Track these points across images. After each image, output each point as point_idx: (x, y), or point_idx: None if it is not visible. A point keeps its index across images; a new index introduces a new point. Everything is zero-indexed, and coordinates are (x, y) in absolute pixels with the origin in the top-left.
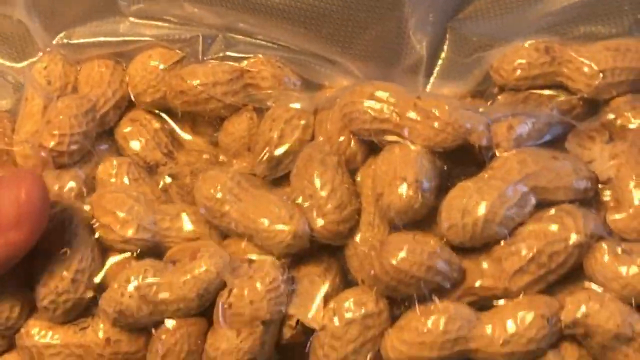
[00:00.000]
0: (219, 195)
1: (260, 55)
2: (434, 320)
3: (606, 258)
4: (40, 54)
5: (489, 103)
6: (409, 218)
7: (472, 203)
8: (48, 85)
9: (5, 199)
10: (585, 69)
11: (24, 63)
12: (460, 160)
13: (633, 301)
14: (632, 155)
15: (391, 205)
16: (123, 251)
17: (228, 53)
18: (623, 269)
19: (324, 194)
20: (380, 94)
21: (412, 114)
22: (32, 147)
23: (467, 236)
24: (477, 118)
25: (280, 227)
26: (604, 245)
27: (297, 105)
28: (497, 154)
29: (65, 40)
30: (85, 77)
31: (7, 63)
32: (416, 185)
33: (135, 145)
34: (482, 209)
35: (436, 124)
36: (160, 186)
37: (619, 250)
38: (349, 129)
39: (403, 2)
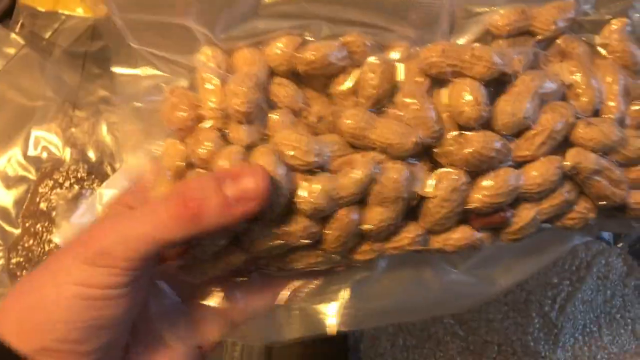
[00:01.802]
0: (361, 124)
1: (353, 32)
2: (501, 179)
3: (582, 128)
4: (205, 47)
5: (492, 45)
6: (479, 123)
7: (516, 108)
8: (218, 68)
9: (249, 182)
10: (545, 21)
11: (193, 55)
12: (497, 83)
13: (599, 151)
14: (580, 67)
15: (470, 117)
16: (305, 170)
17: (329, 33)
18: (592, 133)
19: (424, 114)
20: (447, 48)
21: (471, 59)
22: (221, 111)
23: (514, 129)
24: (506, 58)
25: (407, 140)
26: (580, 122)
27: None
28: (518, 76)
29: (222, 36)
30: (241, 60)
31: (179, 56)
32: (482, 103)
33: (284, 99)
34: (521, 111)
35: (487, 64)
36: (311, 125)
37: (587, 123)
38: (427, 73)
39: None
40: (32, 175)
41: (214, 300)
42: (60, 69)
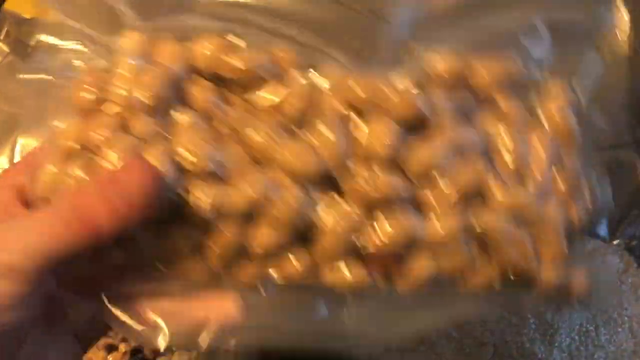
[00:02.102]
0: (261, 139)
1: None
2: (398, 222)
3: (497, 190)
4: (131, 31)
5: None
6: (387, 163)
7: (423, 154)
8: (137, 54)
9: (131, 185)
10: (484, 74)
11: (116, 37)
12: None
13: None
14: (509, 126)
15: (376, 154)
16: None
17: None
18: (506, 195)
19: (331, 140)
20: (368, 82)
21: (390, 95)
22: (126, 98)
23: (421, 176)
24: (426, 99)
25: (304, 161)
26: (495, 181)
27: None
28: (439, 124)
29: (148, 23)
30: (163, 51)
31: (102, 35)
32: (393, 144)
33: (198, 101)
34: (429, 158)
35: (404, 103)
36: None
37: (503, 185)
38: (343, 102)
39: (382, 26)
40: None
41: None
42: None
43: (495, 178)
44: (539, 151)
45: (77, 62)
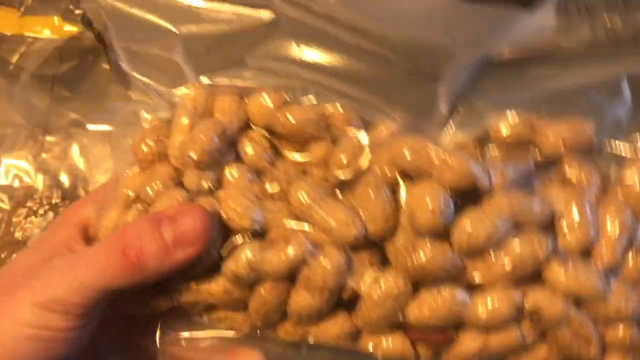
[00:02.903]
0: (306, 201)
1: (338, 104)
2: (443, 299)
3: (557, 269)
4: (189, 85)
5: (485, 151)
6: (432, 233)
7: (476, 229)
8: (194, 109)
9: (187, 224)
10: (553, 138)
11: (178, 90)
12: (468, 195)
13: (571, 299)
14: (579, 200)
15: (422, 225)
16: (240, 232)
17: (315, 99)
18: (567, 278)
19: (377, 210)
20: (418, 146)
21: (440, 161)
22: (181, 151)
23: (470, 250)
24: (482, 169)
25: (347, 229)
26: (556, 261)
27: (360, 141)
28: (494, 194)
29: (207, 80)
30: (219, 106)
31: (166, 88)
32: (439, 213)
33: (250, 155)
34: (482, 235)
35: (456, 173)
36: (266, 188)
37: (565, 265)
38: (394, 165)
39: (437, 79)
40: (6, 205)
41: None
42: (28, 93)
43: (555, 254)
44: (611, 227)
45: (142, 113)
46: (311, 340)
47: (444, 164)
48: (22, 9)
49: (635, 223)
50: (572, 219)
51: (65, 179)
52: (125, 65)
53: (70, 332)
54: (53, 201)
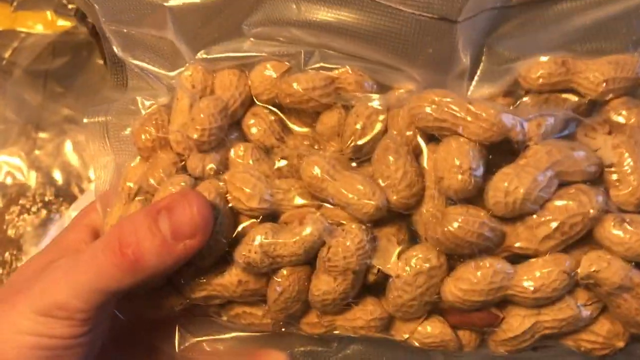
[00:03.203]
0: (320, 175)
1: (347, 67)
2: (482, 273)
3: (612, 227)
4: (186, 65)
5: (517, 102)
6: (463, 196)
7: (513, 186)
8: (192, 88)
9: (184, 214)
10: (592, 78)
11: (175, 72)
12: (501, 150)
13: (632, 261)
14: (629, 145)
15: (450, 187)
16: (249, 217)
17: (322, 64)
18: (625, 236)
19: (398, 175)
20: (439, 99)
21: (466, 115)
22: (182, 134)
23: (508, 210)
24: (514, 119)
25: (366, 201)
26: (610, 217)
27: (374, 104)
28: (530, 145)
29: (204, 56)
30: (219, 82)
31: (163, 71)
32: (469, 172)
33: (256, 132)
34: (520, 191)
35: (484, 124)
36: (275, 166)
37: (622, 221)
38: (415, 125)
39: (454, 27)
40: None
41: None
42: (21, 89)
43: (608, 209)
44: None
45: (141, 101)
46: (338, 332)
47: (471, 116)
48: (15, 3)
49: None
50: (623, 167)
51: (58, 176)
52: (118, 51)
53: (74, 339)
54: (46, 198)
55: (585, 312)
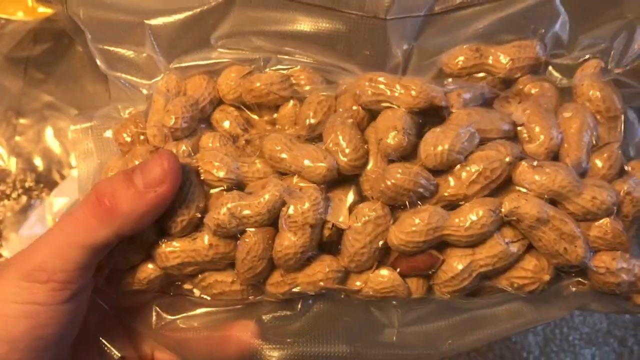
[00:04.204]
0: (278, 147)
1: (299, 66)
2: (420, 217)
3: (526, 170)
4: (162, 74)
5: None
6: (400, 153)
7: (440, 140)
8: (167, 92)
9: (155, 167)
10: (501, 59)
11: (152, 81)
12: (429, 115)
13: (546, 196)
14: (535, 107)
15: (389, 145)
16: (218, 186)
17: (279, 67)
18: (537, 177)
19: (344, 142)
20: (375, 77)
21: (397, 88)
22: (158, 128)
23: (437, 162)
24: (438, 89)
25: (318, 164)
26: (524, 163)
27: (324, 94)
28: (452, 110)
29: (177, 65)
30: (191, 86)
31: (141, 81)
32: (403, 132)
33: (224, 124)
34: (446, 144)
35: (413, 93)
36: (241, 148)
37: (533, 165)
38: (357, 102)
39: (387, 28)
40: None
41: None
42: (1, 75)
43: (516, 157)
44: (574, 129)
45: (120, 107)
46: (300, 289)
47: (404, 89)
48: None
49: (594, 122)
50: (532, 126)
51: (39, 162)
52: (103, 66)
53: (57, 305)
54: (27, 185)
55: (513, 248)
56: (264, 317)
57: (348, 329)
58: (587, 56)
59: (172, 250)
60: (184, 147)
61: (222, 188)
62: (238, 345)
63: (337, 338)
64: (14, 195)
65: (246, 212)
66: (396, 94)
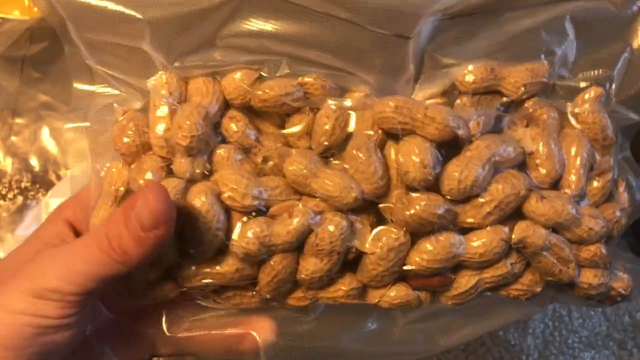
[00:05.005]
0: (303, 171)
1: (313, 73)
2: (441, 245)
3: (535, 202)
4: (159, 72)
5: (455, 102)
6: (425, 186)
7: (464, 176)
8: (169, 95)
9: (142, 209)
10: (514, 82)
11: (148, 79)
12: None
13: (550, 227)
14: (544, 136)
15: (415, 179)
16: (242, 212)
17: (288, 71)
18: (545, 208)
19: (370, 170)
20: (401, 105)
21: (424, 119)
22: (166, 140)
23: (459, 195)
24: (461, 120)
25: (347, 194)
26: (533, 196)
27: (340, 106)
28: (473, 141)
29: (178, 64)
30: (194, 89)
31: (136, 79)
32: (430, 166)
33: (234, 134)
34: (469, 179)
35: (439, 126)
36: (259, 166)
37: (541, 197)
38: (379, 126)
39: (407, 43)
40: None
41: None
42: None
43: (528, 189)
44: (574, 157)
45: (114, 106)
46: (320, 302)
47: (427, 119)
48: None
49: (592, 149)
50: (540, 154)
51: (35, 163)
52: (89, 60)
53: (65, 319)
54: (23, 185)
55: (515, 268)
56: (278, 317)
57: (357, 330)
58: (589, 82)
59: (196, 273)
60: (199, 167)
61: (247, 215)
62: (255, 341)
63: (347, 338)
64: (10, 195)
65: (275, 240)
66: (422, 125)
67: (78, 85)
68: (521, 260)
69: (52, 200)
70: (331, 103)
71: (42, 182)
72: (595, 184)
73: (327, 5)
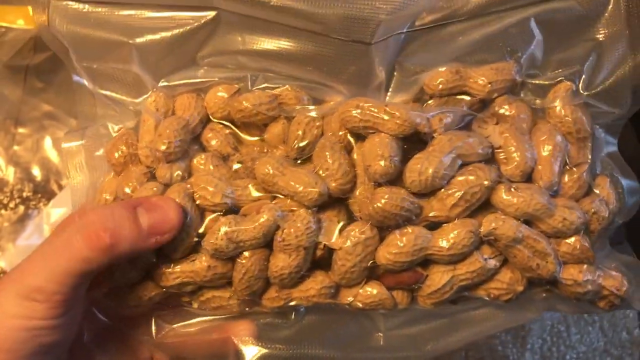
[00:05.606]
0: (270, 172)
1: (287, 85)
2: (406, 239)
3: (503, 193)
4: (150, 92)
5: (424, 105)
6: (387, 179)
7: (424, 167)
8: (157, 111)
9: (162, 217)
10: (480, 82)
11: (140, 99)
12: (413, 141)
13: (521, 218)
14: (512, 131)
15: (376, 172)
16: (214, 211)
17: (266, 85)
18: (514, 200)
19: (335, 166)
20: (362, 104)
21: (383, 116)
22: (150, 150)
23: (421, 187)
24: (422, 115)
25: (310, 189)
26: (502, 187)
27: (311, 114)
28: (435, 136)
29: (165, 83)
30: (179, 105)
31: (129, 99)
32: (390, 159)
33: (214, 144)
34: (429, 171)
35: (398, 121)
36: (233, 169)
37: (510, 188)
38: (344, 127)
39: (371, 49)
40: None
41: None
42: (0, 84)
43: (495, 180)
44: (546, 151)
45: (109, 125)
46: (295, 303)
47: (388, 115)
48: None
49: (565, 142)
50: (508, 148)
51: (37, 172)
52: (89, 84)
53: (54, 320)
54: (24, 194)
55: (490, 264)
56: (256, 322)
57: (338, 335)
58: (559, 78)
59: (172, 271)
60: (178, 172)
61: (218, 213)
62: (236, 344)
63: (328, 343)
64: (12, 205)
65: (242, 236)
66: (382, 121)
67: (83, 109)
68: (496, 255)
69: (53, 210)
70: (303, 110)
71: (44, 191)
72: (569, 176)
73: (295, 19)
